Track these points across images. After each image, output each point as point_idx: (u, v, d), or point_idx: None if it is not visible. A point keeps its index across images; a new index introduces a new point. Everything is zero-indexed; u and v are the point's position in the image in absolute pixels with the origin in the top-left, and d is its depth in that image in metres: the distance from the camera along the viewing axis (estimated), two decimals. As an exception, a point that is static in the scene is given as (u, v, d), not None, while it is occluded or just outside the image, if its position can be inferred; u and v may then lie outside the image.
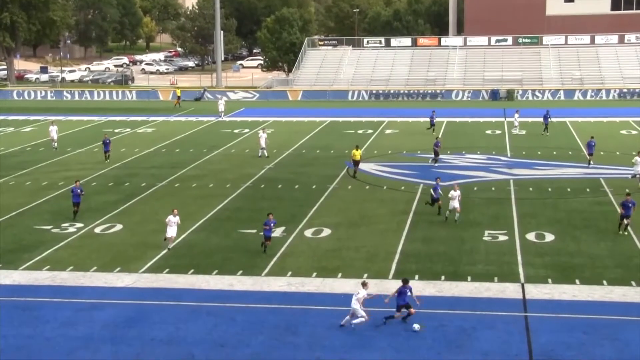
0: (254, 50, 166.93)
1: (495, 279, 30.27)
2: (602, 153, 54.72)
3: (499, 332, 25.17)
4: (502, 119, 73.02)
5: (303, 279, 30.52)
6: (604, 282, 29.66)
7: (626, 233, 34.99)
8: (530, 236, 35.72)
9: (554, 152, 56.09)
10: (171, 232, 34.11)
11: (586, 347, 24.02)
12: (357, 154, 48.30)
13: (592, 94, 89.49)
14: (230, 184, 47.22)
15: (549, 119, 63.78)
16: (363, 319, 25.42)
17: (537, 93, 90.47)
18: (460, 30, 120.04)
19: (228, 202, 43.17)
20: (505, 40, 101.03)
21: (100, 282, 30.60)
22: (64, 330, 25.83)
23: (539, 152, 56.07)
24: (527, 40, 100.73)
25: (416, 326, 25.42)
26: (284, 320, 26.47)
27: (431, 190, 39.35)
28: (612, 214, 39.28)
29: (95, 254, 34.06)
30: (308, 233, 36.83)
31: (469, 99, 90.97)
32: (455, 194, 37.66)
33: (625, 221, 35.42)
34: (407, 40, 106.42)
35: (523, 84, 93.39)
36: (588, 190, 44.52)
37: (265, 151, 55.41)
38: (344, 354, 23.94)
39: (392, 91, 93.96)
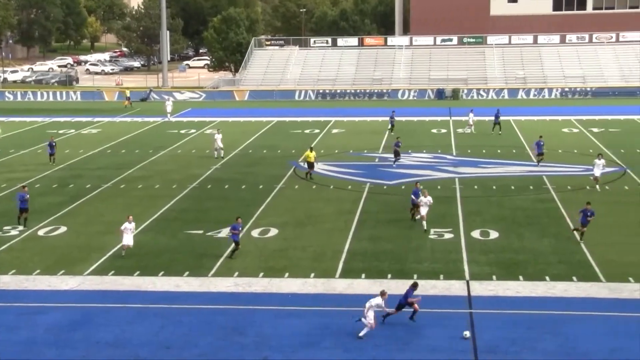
0: (201, 50, 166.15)
1: (441, 276, 30.56)
2: (545, 151, 55.48)
3: (445, 329, 25.41)
4: (448, 118, 73.69)
5: (250, 279, 30.49)
6: (547, 278, 30.12)
7: (582, 242, 34.22)
8: (475, 234, 36.12)
9: (499, 151, 56.77)
10: (127, 239, 33.39)
11: (529, 342, 24.38)
12: (312, 155, 48.09)
13: (535, 92, 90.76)
14: (176, 185, 46.98)
15: (499, 118, 64.37)
16: (367, 327, 24.94)
17: (481, 92, 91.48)
18: (406, 30, 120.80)
19: (174, 202, 42.94)
20: (451, 40, 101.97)
21: (43, 286, 30.22)
22: (6, 335, 25.45)
23: (484, 151, 56.72)
24: (471, 40, 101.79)
25: (466, 333, 24.85)
26: (231, 320, 26.42)
27: (412, 195, 38.22)
28: (554, 210, 39.92)
29: (39, 257, 33.63)
30: (255, 233, 36.81)
31: (415, 98, 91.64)
32: (425, 200, 36.81)
33: (582, 229, 34.43)
34: (353, 40, 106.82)
35: (468, 83, 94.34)
36: (531, 187, 45.16)
37: (222, 151, 55.14)
38: (291, 354, 23.98)
39: (338, 91, 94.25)
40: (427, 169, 50.82)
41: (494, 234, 36.03)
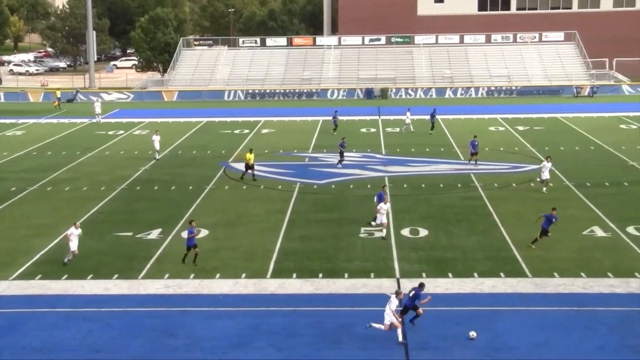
0: (128, 51, 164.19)
1: (372, 274, 30.79)
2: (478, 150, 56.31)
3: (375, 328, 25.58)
4: (377, 117, 74.21)
5: (180, 281, 30.29)
6: (475, 274, 30.59)
7: (533, 247, 33.45)
8: (405, 232, 36.46)
9: (427, 149, 57.38)
10: (73, 246, 32.51)
11: (459, 338, 24.72)
12: (251, 157, 47.75)
13: (462, 91, 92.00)
14: (104, 187, 46.38)
15: (435, 117, 64.99)
16: (383, 327, 24.76)
17: (410, 91, 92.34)
18: (334, 30, 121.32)
19: (103, 204, 42.39)
20: (379, 39, 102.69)
21: (-32, 291, 29.57)
22: None
23: (413, 150, 57.27)
24: (399, 40, 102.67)
25: (472, 334, 24.66)
26: (162, 323, 26.21)
27: (375, 198, 37.50)
28: (482, 208, 40.54)
29: (-37, 262, 32.88)
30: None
31: (344, 97, 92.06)
32: (385, 206, 36.12)
33: (546, 235, 33.36)
34: (282, 40, 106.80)
35: (396, 83, 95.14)
36: (459, 185, 45.76)
37: (157, 153, 54.54)
38: (222, 354, 23.91)
39: (268, 91, 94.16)
40: (357, 168, 51.10)
41: (423, 232, 36.42)
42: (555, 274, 30.42)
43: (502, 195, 43.19)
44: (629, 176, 47.04)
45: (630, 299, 27.83)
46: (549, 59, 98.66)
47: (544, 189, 43.61)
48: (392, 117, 73.98)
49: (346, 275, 30.71)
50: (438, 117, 67.11)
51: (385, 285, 29.48)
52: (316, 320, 26.23)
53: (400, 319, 24.98)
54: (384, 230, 35.72)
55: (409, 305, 25.50)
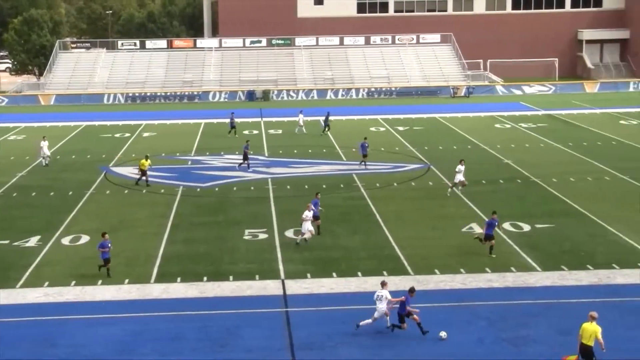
0: (1, 53, 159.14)
1: (257, 276, 30.82)
2: (353, 150, 57.07)
3: (262, 329, 25.69)
4: (259, 119, 74.26)
5: (61, 289, 29.61)
6: (359, 273, 31.01)
7: (494, 256, 32.78)
8: (289, 233, 36.62)
9: (310, 150, 57.79)
10: None
11: (345, 337, 25.02)
12: (146, 163, 47.01)
13: (343, 93, 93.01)
14: (-21, 194, 44.91)
15: (329, 119, 65.32)
16: (370, 321, 25.16)
17: (291, 93, 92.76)
18: (215, 32, 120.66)
19: (-23, 213, 41.04)
20: (260, 41, 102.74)
21: None
22: None
23: (295, 151, 57.58)
24: (280, 42, 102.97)
25: (443, 334, 24.75)
26: (42, 332, 25.58)
27: (311, 205, 35.97)
28: (364, 208, 41.12)
29: None
30: (65, 241, 35.76)
31: (226, 100, 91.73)
32: (309, 214, 35.00)
33: (491, 242, 32.86)
34: (162, 42, 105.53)
35: (278, 85, 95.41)
36: (342, 186, 46.27)
37: (45, 160, 52.91)
38: (106, 362, 23.53)
39: (148, 94, 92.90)
40: (240, 170, 51.01)
41: (309, 233, 36.57)
42: (436, 270, 31.14)
43: (384, 195, 43.93)
44: (504, 174, 48.56)
45: (507, 292, 28.77)
46: (426, 61, 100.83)
47: (459, 188, 43.70)
48: (274, 119, 74.20)
49: (231, 277, 30.67)
50: (321, 119, 67.66)
51: (270, 287, 29.57)
52: (202, 324, 26.10)
53: (403, 325, 25.15)
54: (306, 238, 34.57)
55: (402, 313, 25.25)
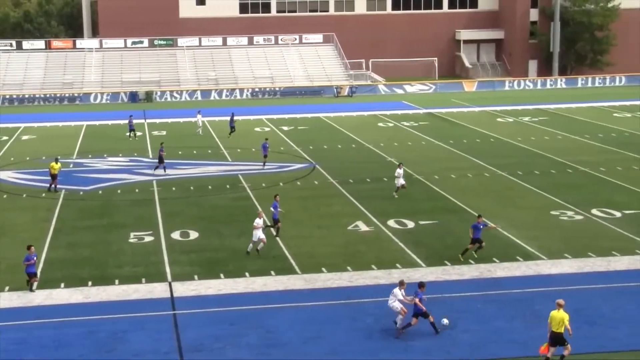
0: None
1: (143, 279, 30.49)
2: (238, 150, 57.08)
3: (149, 332, 25.45)
4: (143, 121, 73.25)
5: (-62, 299, 28.59)
6: (247, 274, 31.04)
7: (477, 256, 32.61)
8: (176, 235, 36.37)
9: (194, 152, 57.41)
10: None
11: (233, 338, 25.04)
12: (57, 167, 45.58)
13: (227, 93, 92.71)
14: None
15: (234, 121, 64.73)
16: (401, 316, 25.13)
17: (175, 94, 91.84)
18: (95, 32, 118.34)
19: None
20: (142, 42, 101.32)
21: None
22: None
23: (180, 152, 57.08)
24: (162, 42, 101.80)
25: (445, 321, 25.12)
26: None
27: (271, 209, 35.78)
28: (251, 208, 41.13)
29: None
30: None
31: (108, 101, 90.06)
32: (260, 221, 33.70)
33: (479, 245, 32.38)
34: (40, 43, 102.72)
35: (161, 85, 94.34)
36: (228, 186, 46.18)
37: None
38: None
39: (27, 96, 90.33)
40: (124, 172, 50.32)
41: (194, 234, 36.49)
42: (324, 269, 31.45)
43: (270, 195, 43.88)
44: (388, 172, 49.32)
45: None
46: (309, 60, 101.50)
47: (395, 194, 42.94)
48: (158, 121, 73.36)
49: (117, 281, 30.23)
50: (205, 119, 67.30)
51: (157, 290, 29.28)
52: (88, 329, 25.65)
53: (415, 320, 25.08)
54: (262, 245, 33.25)
55: (419, 312, 25.07)
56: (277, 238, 35.40)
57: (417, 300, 24.95)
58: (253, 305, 27.82)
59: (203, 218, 39.38)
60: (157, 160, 50.25)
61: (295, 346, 24.46)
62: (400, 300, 25.34)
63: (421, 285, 25.41)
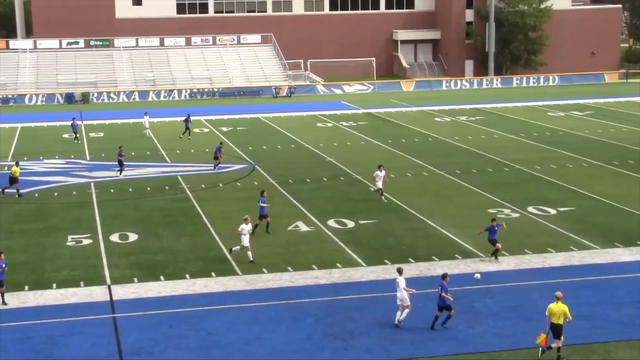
0: None
1: (82, 283, 30.11)
2: (178, 151, 56.73)
3: (88, 337, 25.14)
4: (80, 122, 72.20)
5: None
6: (187, 275, 30.86)
7: (498, 260, 32.32)
8: (114, 237, 35.99)
9: (133, 153, 56.82)
10: None
11: (173, 340, 24.87)
12: (17, 170, 44.47)
13: (165, 94, 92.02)
14: None
15: (190, 122, 64.04)
16: (408, 310, 25.59)
17: (112, 95, 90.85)
18: (29, 33, 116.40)
19: None
20: (77, 42, 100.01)
21: None
22: None
23: (118, 154, 56.48)
24: (99, 43, 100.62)
25: (477, 275, 27.65)
26: None
27: (259, 204, 35.85)
28: (190, 209, 40.94)
29: None
30: None
31: (44, 103, 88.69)
32: (247, 227, 32.82)
33: (496, 246, 32.06)
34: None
35: (98, 87, 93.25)
36: (167, 188, 45.85)
37: None
38: None
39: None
40: (61, 175, 49.62)
41: (133, 237, 36.15)
42: (264, 270, 31.42)
43: (210, 196, 43.89)
44: (328, 172, 49.55)
45: (333, 288, 29.41)
46: (248, 61, 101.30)
47: (378, 192, 42.38)
48: (95, 122, 72.54)
49: (54, 285, 29.80)
50: (143, 120, 66.65)
51: (96, 293, 28.95)
52: (24, 335, 25.23)
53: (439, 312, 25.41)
54: (249, 254, 32.38)
55: (441, 305, 25.22)
56: (268, 232, 36.09)
57: (443, 293, 25.16)
58: (194, 307, 27.66)
59: (142, 220, 39.04)
60: (92, 163, 49.49)
61: (237, 347, 24.39)
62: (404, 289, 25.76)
63: (444, 276, 25.52)
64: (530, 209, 39.82)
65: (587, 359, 23.20)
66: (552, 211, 39.07)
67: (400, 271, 26.15)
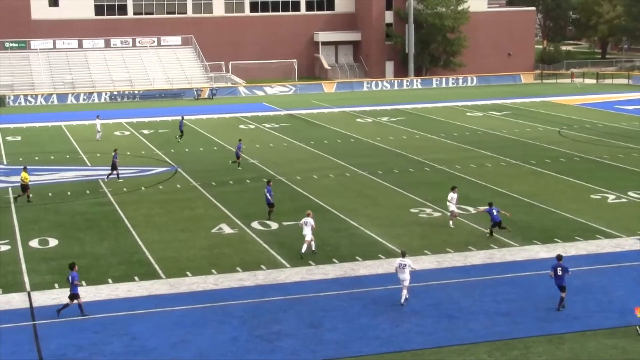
0: None
1: (0, 290, 29.52)
2: (98, 155, 56.00)
3: (7, 345, 24.67)
4: (-5, 126, 70.85)
5: None
6: (110, 280, 30.52)
7: (510, 230, 35.32)
8: (34, 243, 35.38)
9: (52, 157, 55.94)
10: None
11: (97, 346, 24.59)
12: (27, 176, 43.22)
13: (85, 97, 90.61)
14: None
15: (183, 125, 63.25)
16: (405, 292, 27.43)
17: (29, 98, 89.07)
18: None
19: None
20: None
21: None
22: None
23: (37, 158, 55.51)
24: (14, 45, 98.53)
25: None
26: None
27: (266, 194, 38.46)
28: (112, 213, 40.49)
29: None
30: None
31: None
32: (310, 221, 32.98)
33: (501, 228, 35.00)
34: None
35: (14, 90, 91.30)
36: (88, 192, 45.21)
37: None
38: None
39: None
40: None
41: (53, 242, 35.58)
42: (188, 273, 31.27)
43: (132, 200, 43.45)
44: (251, 174, 49.51)
45: (257, 290, 29.44)
46: (169, 63, 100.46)
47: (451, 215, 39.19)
48: (12, 126, 71.05)
49: (-28, 294, 29.17)
50: (62, 123, 65.70)
51: (15, 301, 28.43)
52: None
53: None
54: (313, 244, 33.18)
55: (561, 284, 26.79)
56: (271, 218, 38.01)
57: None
58: (117, 312, 27.38)
59: (62, 225, 38.44)
60: (10, 167, 48.49)
61: (162, 352, 24.24)
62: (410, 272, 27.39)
63: (559, 257, 27.15)
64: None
65: (507, 355, 23.73)
66: (473, 210, 39.77)
67: (404, 254, 27.80)
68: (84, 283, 30.06)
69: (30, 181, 43.60)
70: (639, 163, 50.55)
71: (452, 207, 37.13)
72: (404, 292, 27.52)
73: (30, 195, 43.18)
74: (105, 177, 48.31)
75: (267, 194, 38.57)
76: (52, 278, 30.81)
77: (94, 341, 24.96)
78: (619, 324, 25.65)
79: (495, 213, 34.90)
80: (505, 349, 24.10)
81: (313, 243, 33.20)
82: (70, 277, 27.04)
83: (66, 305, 26.96)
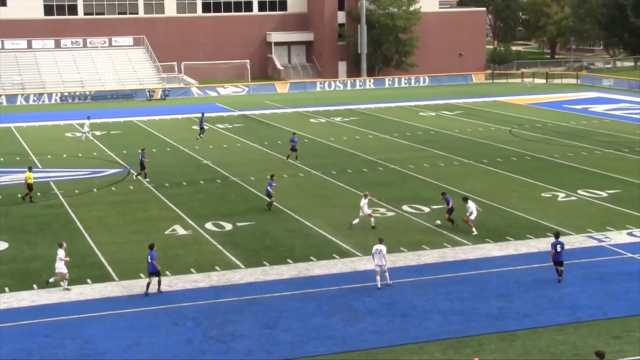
0: None
1: (-50, 295, 29.11)
2: (49, 157, 55.38)
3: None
4: (-57, 128, 69.68)
5: None
6: (62, 283, 30.15)
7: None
8: (-17, 247, 34.92)
9: (1, 159, 55.20)
10: None
11: (49, 350, 24.35)
12: (31, 176, 42.66)
13: (35, 98, 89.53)
14: None
15: (204, 123, 63.64)
16: (378, 279, 28.91)
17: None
18: None
19: None
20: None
21: None
22: None
23: (-15, 160, 54.83)
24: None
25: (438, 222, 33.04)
26: None
27: (268, 187, 40.46)
28: (64, 215, 40.08)
29: None
30: None
31: None
32: (365, 201, 35.70)
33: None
34: None
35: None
36: (39, 194, 44.60)
37: None
38: None
39: None
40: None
41: (3, 245, 35.12)
42: (142, 275, 31.04)
43: (84, 201, 43.06)
44: (204, 175, 49.34)
45: (212, 291, 29.36)
46: (120, 64, 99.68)
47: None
48: (-41, 127, 69.96)
49: None
50: (12, 125, 64.87)
51: (-34, 305, 28.02)
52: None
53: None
54: (372, 220, 36.95)
55: (559, 260, 29.43)
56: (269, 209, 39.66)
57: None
58: (69, 315, 27.13)
59: (13, 228, 37.95)
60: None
61: (115, 354, 24.08)
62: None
63: (557, 235, 29.75)
64: (404, 207, 40.72)
65: (461, 353, 23.96)
66: (426, 209, 40.05)
67: (381, 240, 29.25)
68: (35, 287, 29.77)
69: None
70: (588, 162, 51.34)
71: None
72: (378, 278, 28.94)
73: (32, 196, 42.90)
74: (134, 175, 48.59)
75: (268, 187, 40.48)
76: (2, 282, 30.41)
77: (45, 345, 24.71)
78: (569, 320, 26.07)
79: (448, 200, 37.24)
80: (459, 346, 24.34)
81: (372, 219, 36.87)
82: (149, 257, 28.90)
83: (148, 285, 29.05)
